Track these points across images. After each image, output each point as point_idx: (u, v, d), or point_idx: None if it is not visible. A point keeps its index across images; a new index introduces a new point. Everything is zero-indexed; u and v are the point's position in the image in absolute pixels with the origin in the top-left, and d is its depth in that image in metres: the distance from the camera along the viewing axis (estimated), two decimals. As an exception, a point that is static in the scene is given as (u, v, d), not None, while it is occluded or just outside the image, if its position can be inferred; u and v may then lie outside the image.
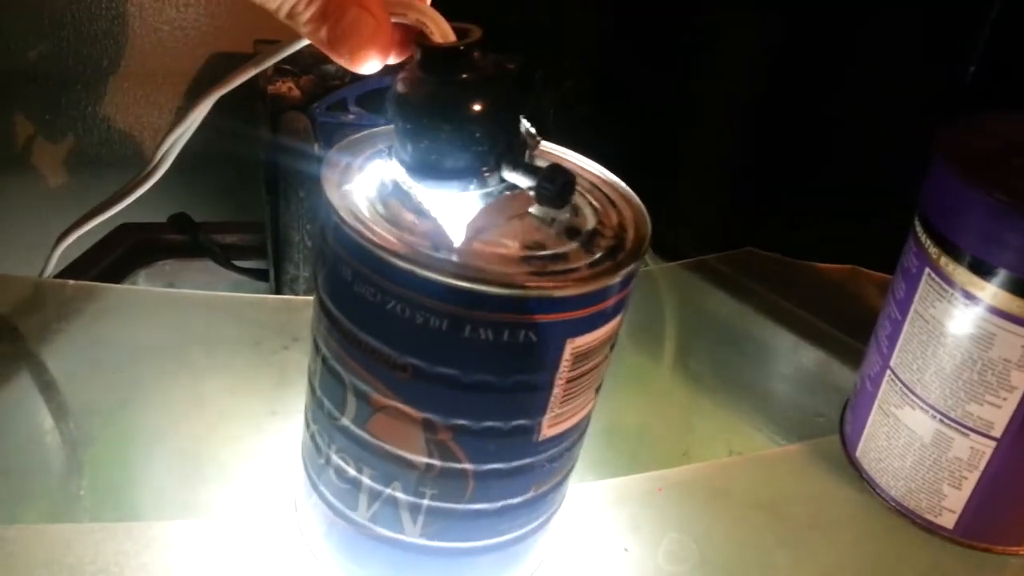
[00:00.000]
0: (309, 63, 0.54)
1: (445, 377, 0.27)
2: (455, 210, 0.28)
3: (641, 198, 0.31)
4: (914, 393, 0.38)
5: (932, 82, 0.54)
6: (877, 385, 0.40)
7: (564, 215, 0.29)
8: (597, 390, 0.31)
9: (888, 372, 0.39)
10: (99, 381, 0.41)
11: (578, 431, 0.31)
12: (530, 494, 0.31)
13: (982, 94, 0.51)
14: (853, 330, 0.45)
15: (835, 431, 0.45)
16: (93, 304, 0.43)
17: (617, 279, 0.27)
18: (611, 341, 0.30)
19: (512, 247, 0.27)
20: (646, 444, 0.48)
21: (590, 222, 0.29)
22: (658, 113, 0.62)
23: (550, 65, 0.59)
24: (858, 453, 0.42)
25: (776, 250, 0.57)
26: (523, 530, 0.32)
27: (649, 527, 0.39)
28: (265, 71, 0.54)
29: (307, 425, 0.33)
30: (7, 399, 0.39)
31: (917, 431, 0.38)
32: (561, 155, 0.32)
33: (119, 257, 0.47)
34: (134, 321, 0.44)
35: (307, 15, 0.25)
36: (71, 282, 0.43)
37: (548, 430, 0.29)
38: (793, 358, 0.53)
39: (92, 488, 0.37)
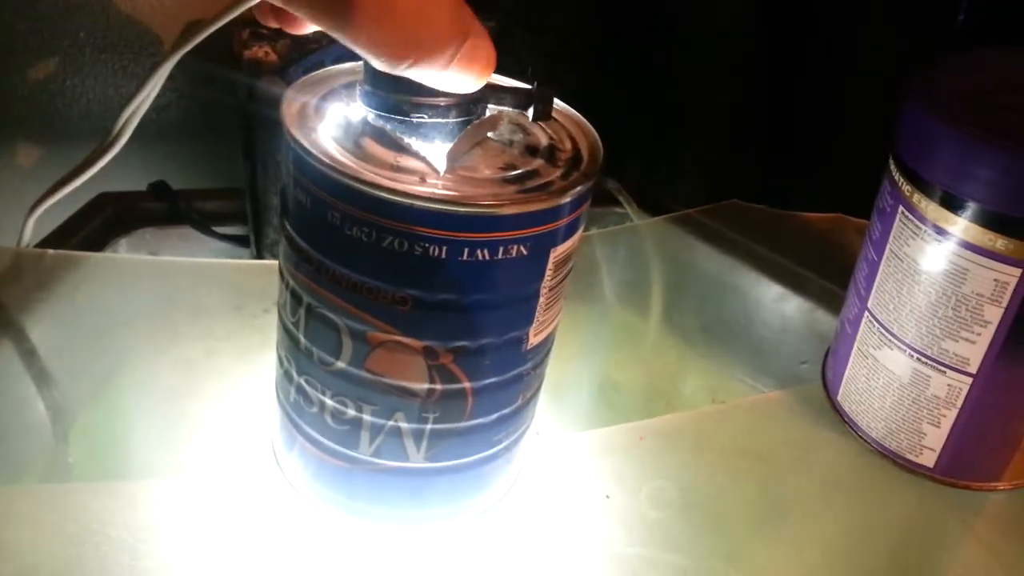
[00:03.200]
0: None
1: (445, 303, 0.28)
2: (428, 142, 0.29)
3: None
4: (891, 333, 0.38)
5: (920, 27, 0.54)
6: (856, 328, 0.40)
7: (518, 135, 0.31)
8: (565, 298, 0.33)
9: (866, 314, 0.39)
10: (82, 348, 0.41)
11: (553, 338, 0.34)
12: (519, 403, 0.33)
13: (970, 37, 0.51)
14: (838, 277, 0.45)
15: (818, 378, 0.45)
16: (73, 273, 0.43)
17: (588, 186, 0.29)
18: (576, 249, 0.32)
19: (489, 170, 0.29)
20: (629, 397, 0.48)
21: (543, 140, 0.31)
22: (643, 68, 0.62)
23: (533, 25, 0.58)
24: (839, 397, 0.42)
25: (761, 202, 0.57)
26: (513, 437, 0.34)
27: (631, 475, 0.40)
28: (242, 36, 0.54)
29: (289, 378, 0.33)
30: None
31: (895, 371, 0.38)
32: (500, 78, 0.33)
33: (99, 226, 0.47)
34: (115, 288, 0.44)
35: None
36: (50, 251, 0.43)
37: (534, 338, 0.31)
38: (778, 308, 0.53)
39: (79, 451, 0.37)
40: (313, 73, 0.32)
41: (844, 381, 0.42)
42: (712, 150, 0.61)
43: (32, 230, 0.42)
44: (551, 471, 0.39)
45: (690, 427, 0.43)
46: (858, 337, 0.40)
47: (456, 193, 0.27)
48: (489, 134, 0.30)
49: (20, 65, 0.54)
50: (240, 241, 0.51)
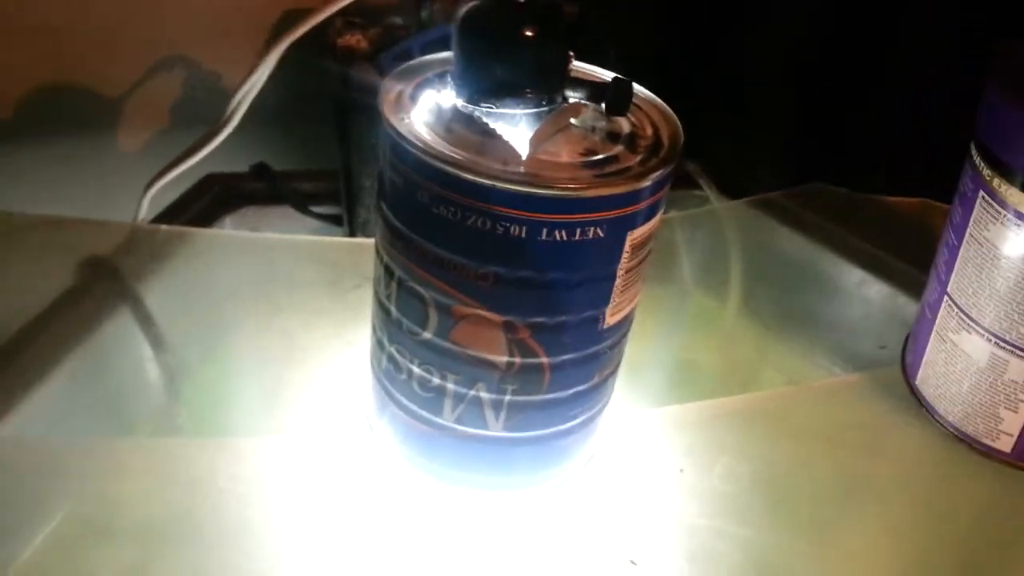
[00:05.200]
0: (376, 16, 0.56)
1: (524, 280, 0.30)
2: (513, 128, 0.30)
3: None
4: (970, 317, 0.38)
5: (1006, 5, 0.52)
6: (935, 312, 0.40)
7: (601, 123, 0.32)
8: (642, 280, 0.34)
9: (945, 298, 0.39)
10: (191, 316, 0.45)
11: (630, 319, 0.35)
12: (595, 380, 0.34)
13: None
14: (922, 263, 0.45)
15: (897, 362, 0.45)
16: (184, 247, 0.47)
17: (666, 171, 0.30)
18: (655, 233, 0.33)
19: (569, 156, 0.30)
20: (705, 377, 0.49)
21: (625, 127, 0.32)
22: (722, 47, 0.62)
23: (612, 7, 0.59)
24: (917, 381, 0.42)
25: (844, 184, 0.57)
26: (589, 414, 0.36)
27: (704, 451, 0.41)
28: (335, 25, 0.56)
29: (382, 346, 0.35)
30: (109, 333, 0.43)
31: (973, 356, 0.38)
32: (583, 67, 0.34)
33: (206, 204, 0.51)
34: (221, 262, 0.47)
35: None
36: (163, 227, 0.47)
37: (611, 318, 0.33)
38: (859, 293, 0.53)
39: (189, 410, 0.41)
40: (407, 64, 0.34)
41: (923, 365, 0.42)
42: (795, 132, 0.61)
43: (147, 207, 0.46)
44: (627, 445, 0.40)
45: (764, 407, 0.44)
46: (937, 321, 0.40)
47: (536, 176, 0.29)
48: (572, 121, 0.32)
49: (134, 56, 0.58)
50: (334, 220, 0.54)
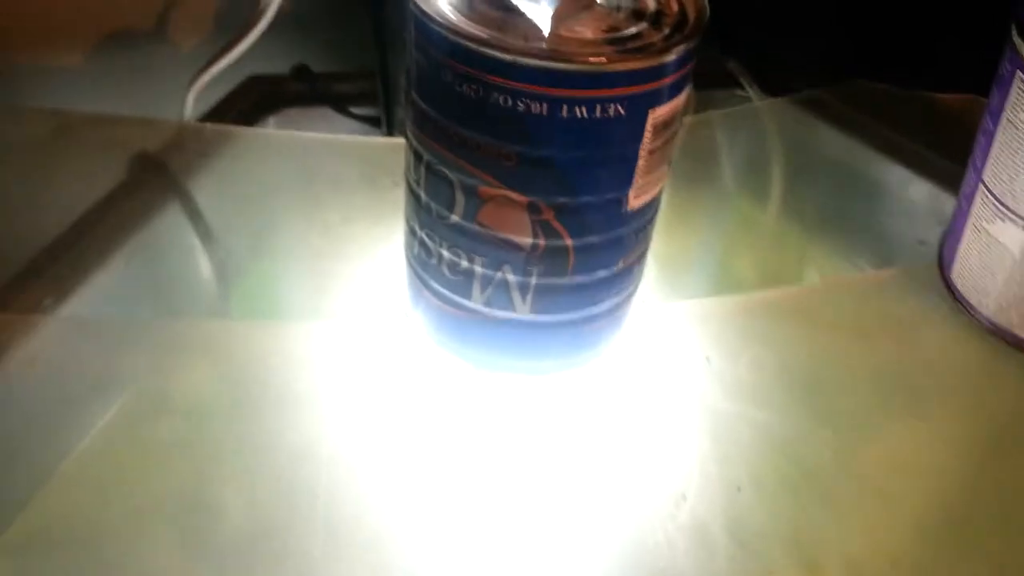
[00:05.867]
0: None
1: (547, 159, 0.30)
2: (535, 4, 0.31)
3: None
4: (1005, 205, 0.38)
5: None
6: (970, 202, 0.40)
7: (627, 1, 0.32)
8: (669, 164, 0.35)
9: (980, 187, 0.39)
10: (238, 210, 0.46)
11: (655, 205, 0.35)
12: (620, 265, 0.35)
13: None
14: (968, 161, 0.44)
15: (934, 257, 0.45)
16: (229, 145, 0.48)
17: (688, 48, 0.30)
18: (680, 114, 0.33)
19: (592, 32, 0.30)
20: (738, 273, 0.49)
21: (651, 5, 0.32)
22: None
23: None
24: (953, 275, 0.42)
25: (890, 81, 0.55)
26: (616, 300, 0.36)
27: (732, 341, 0.41)
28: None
29: (413, 233, 0.36)
30: (161, 224, 0.45)
31: (1008, 245, 0.38)
32: None
33: (249, 105, 0.52)
34: (264, 160, 0.49)
35: None
36: (209, 125, 0.48)
37: (634, 201, 0.33)
38: (902, 191, 0.52)
39: (237, 297, 0.43)
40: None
41: (957, 258, 0.42)
42: (837, 26, 0.59)
43: (192, 105, 0.47)
44: (655, 334, 0.41)
45: (796, 301, 0.44)
46: (972, 211, 0.40)
47: (556, 52, 0.29)
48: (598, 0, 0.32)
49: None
50: (373, 122, 0.55)
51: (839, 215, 0.52)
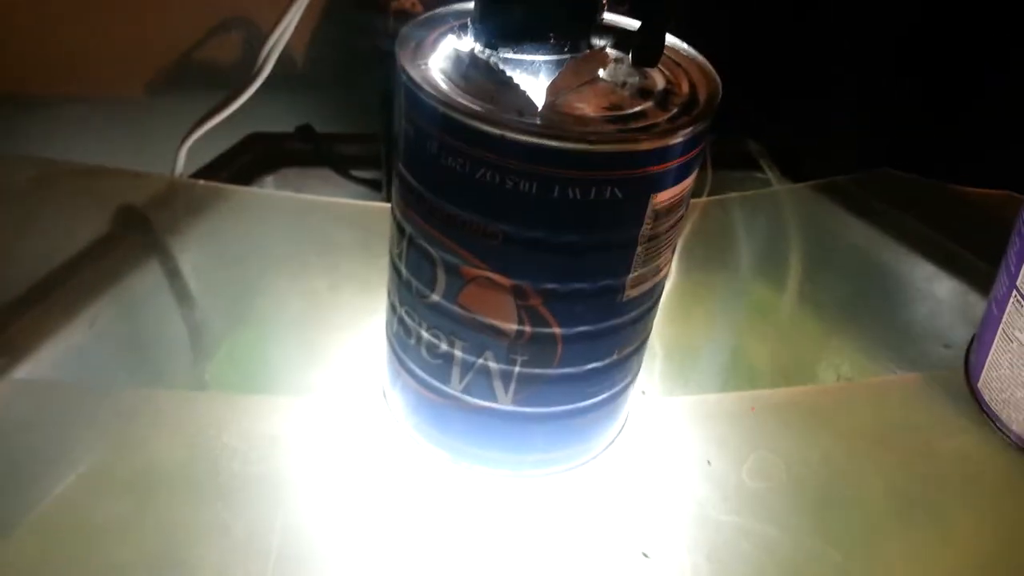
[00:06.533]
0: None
1: (535, 241, 0.28)
2: (532, 77, 0.28)
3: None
4: (1041, 316, 0.34)
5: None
6: (1002, 308, 0.37)
7: (634, 78, 0.29)
8: (672, 252, 0.32)
9: (1014, 293, 0.36)
10: (221, 271, 0.44)
11: (656, 293, 0.32)
12: (614, 357, 0.32)
13: None
14: (999, 260, 0.41)
15: (961, 363, 0.41)
16: (219, 203, 0.46)
17: (696, 131, 0.28)
18: (686, 200, 0.30)
19: (593, 109, 0.28)
20: (749, 367, 0.46)
21: (660, 83, 0.29)
22: (791, 20, 0.58)
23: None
24: (980, 384, 0.39)
25: (917, 171, 0.53)
26: (608, 393, 0.33)
27: (736, 444, 0.38)
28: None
29: (393, 309, 0.34)
30: (141, 284, 0.42)
31: (1043, 358, 0.35)
32: (617, 17, 0.32)
33: (248, 163, 0.50)
34: (255, 220, 0.47)
35: None
36: (201, 182, 0.46)
37: (631, 290, 0.30)
38: (927, 288, 0.49)
39: (206, 364, 0.40)
40: (433, 11, 0.32)
41: (986, 367, 0.38)
42: (863, 112, 0.57)
43: (185, 161, 0.46)
44: (654, 431, 0.38)
45: (808, 402, 0.41)
46: (1004, 318, 0.37)
47: (549, 128, 0.26)
48: (601, 74, 0.30)
49: (173, 14, 0.57)
50: (374, 185, 0.53)
51: (859, 310, 0.49)
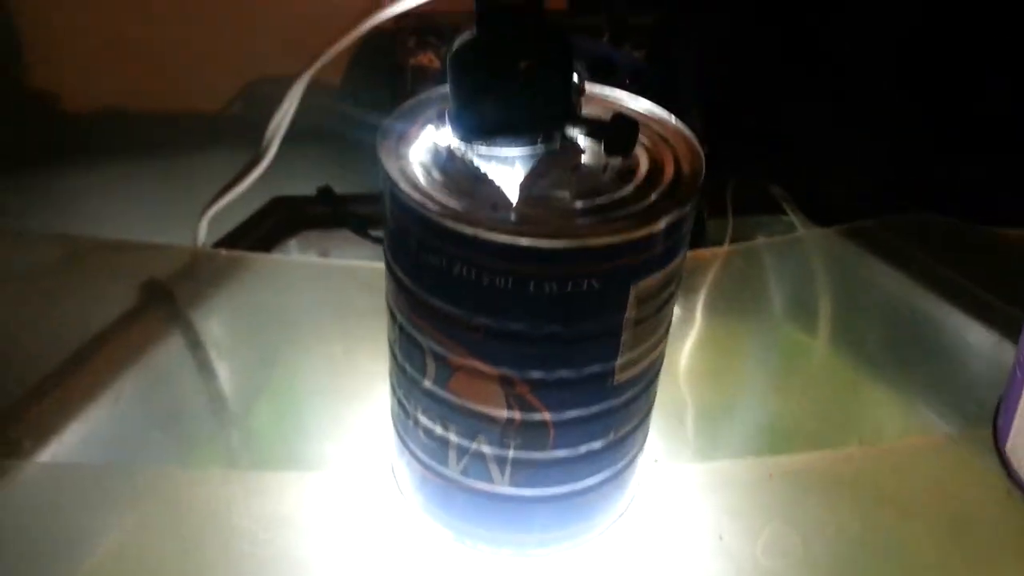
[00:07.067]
0: (450, 35, 0.55)
1: (515, 334, 0.28)
2: (510, 169, 0.28)
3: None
4: (1065, 384, 0.33)
5: None
6: (1027, 372, 0.35)
7: (616, 160, 0.29)
8: (667, 329, 0.31)
9: (1038, 358, 0.34)
10: (241, 341, 0.45)
11: (652, 372, 0.32)
12: (611, 438, 0.32)
13: None
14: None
15: (990, 422, 0.40)
16: (240, 272, 0.47)
17: (680, 214, 0.27)
18: (676, 278, 0.30)
19: (569, 199, 0.28)
20: (769, 428, 0.45)
21: (644, 163, 0.29)
22: (818, 59, 0.57)
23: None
24: (1008, 449, 0.37)
25: (953, 214, 0.51)
26: (608, 472, 0.33)
27: (751, 515, 0.37)
28: (407, 45, 0.56)
29: (393, 391, 0.34)
30: (165, 358, 0.43)
31: (1071, 427, 0.33)
32: (604, 94, 0.32)
33: (270, 228, 0.51)
34: (274, 288, 0.47)
35: None
36: (223, 251, 0.47)
37: (622, 374, 0.30)
38: (961, 340, 0.47)
39: (233, 438, 0.41)
40: (416, 98, 0.32)
41: (1013, 431, 0.37)
42: (896, 154, 0.55)
43: (206, 231, 0.47)
44: (662, 504, 0.37)
45: (829, 468, 0.40)
46: (1029, 384, 0.35)
47: (521, 225, 0.26)
48: (583, 158, 0.29)
49: (202, 80, 0.59)
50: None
51: (891, 363, 0.47)
